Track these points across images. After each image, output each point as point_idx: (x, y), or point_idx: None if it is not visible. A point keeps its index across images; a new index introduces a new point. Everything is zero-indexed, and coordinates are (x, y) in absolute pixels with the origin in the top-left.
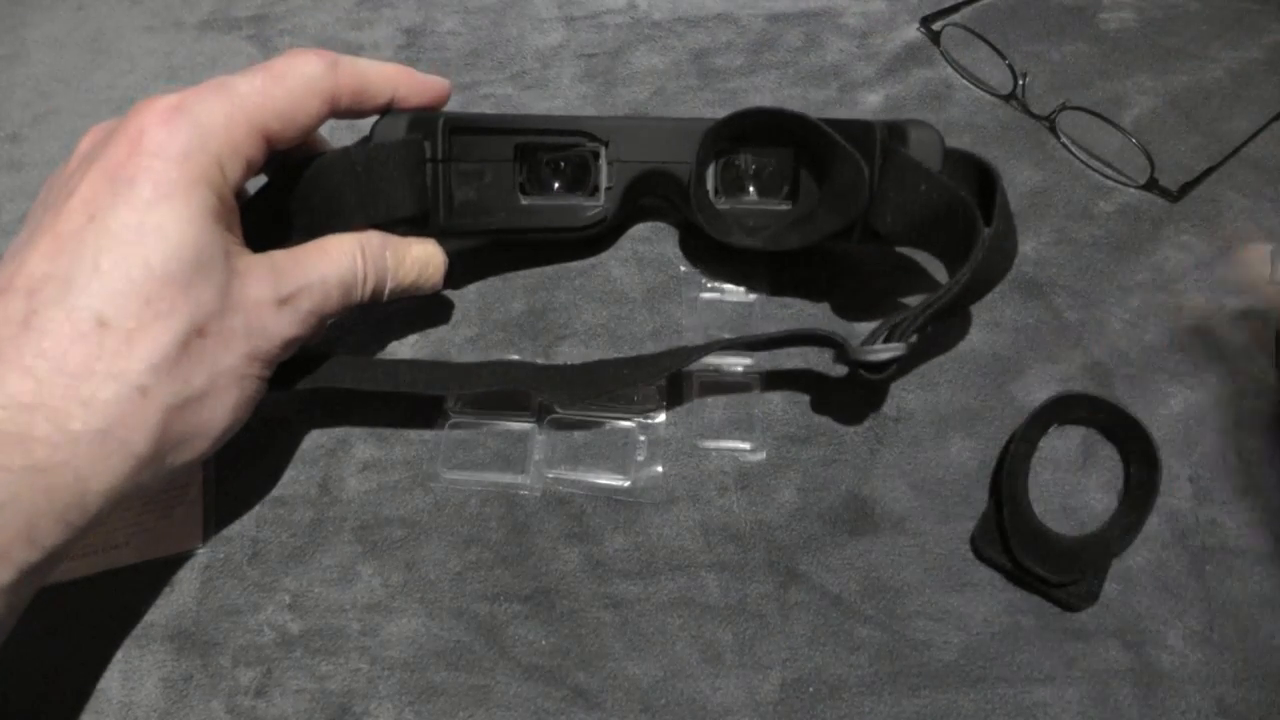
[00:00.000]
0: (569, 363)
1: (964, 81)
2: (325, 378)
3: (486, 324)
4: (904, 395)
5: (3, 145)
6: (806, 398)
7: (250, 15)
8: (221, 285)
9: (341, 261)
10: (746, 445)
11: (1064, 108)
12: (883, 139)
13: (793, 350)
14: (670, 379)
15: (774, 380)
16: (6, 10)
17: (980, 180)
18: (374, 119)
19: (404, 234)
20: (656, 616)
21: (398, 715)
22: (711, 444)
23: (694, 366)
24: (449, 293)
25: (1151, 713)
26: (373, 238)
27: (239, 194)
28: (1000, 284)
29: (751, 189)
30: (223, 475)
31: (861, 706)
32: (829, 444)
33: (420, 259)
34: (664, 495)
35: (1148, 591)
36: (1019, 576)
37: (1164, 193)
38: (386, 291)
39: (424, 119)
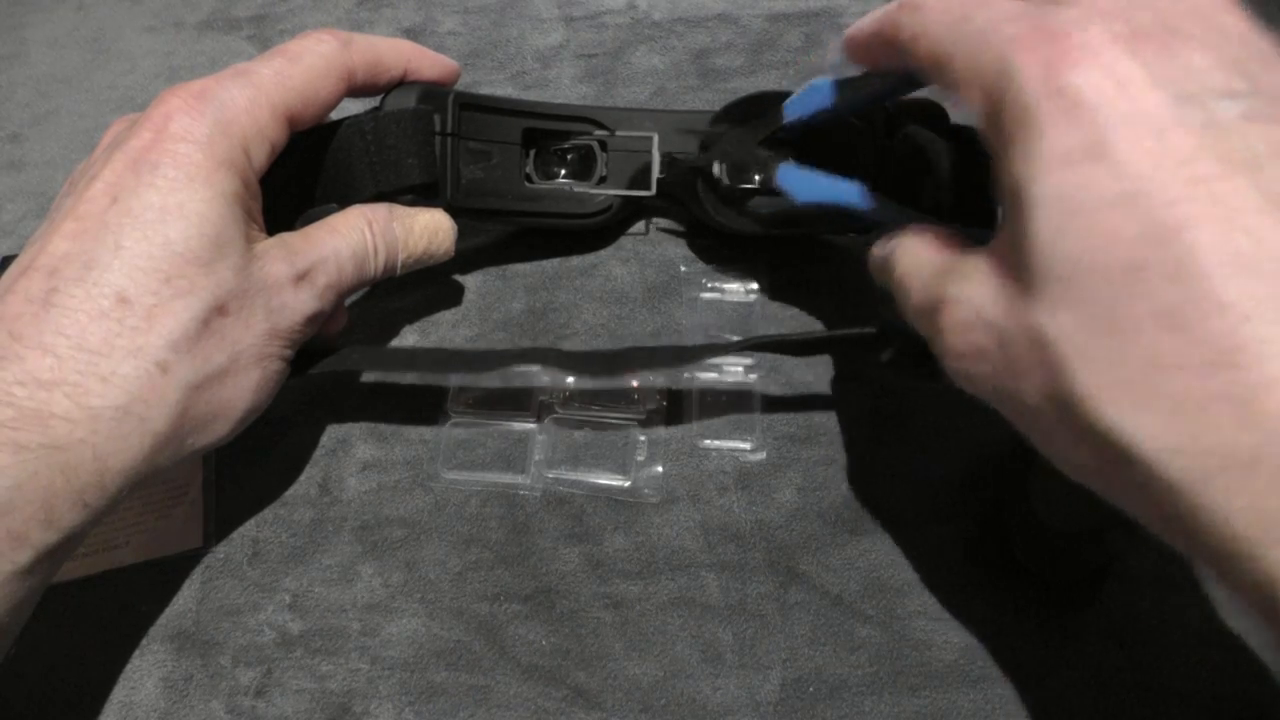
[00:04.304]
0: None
1: None
2: (343, 362)
3: (487, 324)
4: (904, 395)
5: (3, 145)
6: (807, 398)
7: (250, 15)
8: (241, 265)
9: (351, 235)
10: (746, 445)
11: None
12: (886, 111)
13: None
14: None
15: (774, 380)
16: (6, 10)
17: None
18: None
19: (412, 205)
20: (656, 616)
21: (398, 715)
22: (711, 444)
23: (694, 365)
24: (454, 281)
25: (1151, 713)
26: (379, 210)
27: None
28: None
29: (757, 178)
30: (223, 475)
31: (861, 706)
32: (829, 444)
33: (429, 226)
34: (664, 495)
35: (1148, 591)
36: (1019, 576)
37: None
38: (400, 262)
39: (434, 93)
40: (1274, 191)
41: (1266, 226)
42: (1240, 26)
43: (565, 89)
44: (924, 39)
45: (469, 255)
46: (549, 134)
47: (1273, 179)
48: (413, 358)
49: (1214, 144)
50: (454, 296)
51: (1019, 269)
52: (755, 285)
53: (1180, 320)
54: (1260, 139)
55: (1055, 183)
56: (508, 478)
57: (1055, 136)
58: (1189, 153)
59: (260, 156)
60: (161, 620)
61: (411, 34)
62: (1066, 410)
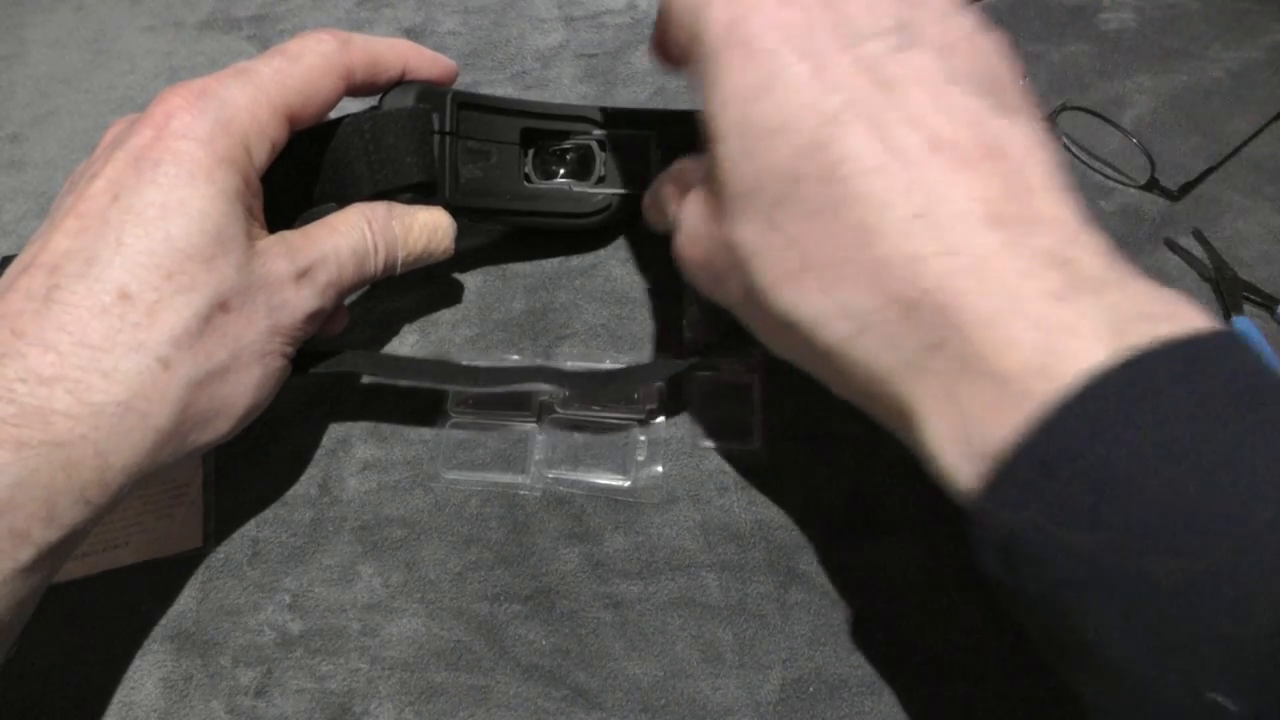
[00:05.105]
0: (572, 364)
1: None
2: (345, 364)
3: (486, 324)
4: None
5: (3, 145)
6: (807, 398)
7: (250, 15)
8: (242, 262)
9: (350, 234)
10: (746, 445)
11: (1064, 108)
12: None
13: None
14: (670, 379)
15: (774, 380)
16: (6, 10)
17: None
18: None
19: (410, 204)
20: (656, 616)
21: (398, 715)
22: (711, 444)
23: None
24: (454, 281)
25: None
26: (378, 208)
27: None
28: None
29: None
30: (222, 475)
31: (861, 706)
32: (829, 444)
33: (428, 225)
34: (664, 495)
35: None
36: None
37: (1164, 193)
38: (399, 260)
39: (433, 92)
40: (908, 108)
41: (900, 134)
42: None
43: (565, 89)
44: (661, 11)
45: (469, 255)
46: (548, 133)
47: (907, 98)
48: (415, 366)
49: (861, 75)
50: (454, 296)
51: (715, 191)
52: None
53: (827, 215)
54: (900, 67)
55: (735, 117)
56: (508, 478)
57: (734, 78)
58: (840, 82)
59: (261, 154)
60: (162, 620)
61: (412, 34)
62: (755, 302)
